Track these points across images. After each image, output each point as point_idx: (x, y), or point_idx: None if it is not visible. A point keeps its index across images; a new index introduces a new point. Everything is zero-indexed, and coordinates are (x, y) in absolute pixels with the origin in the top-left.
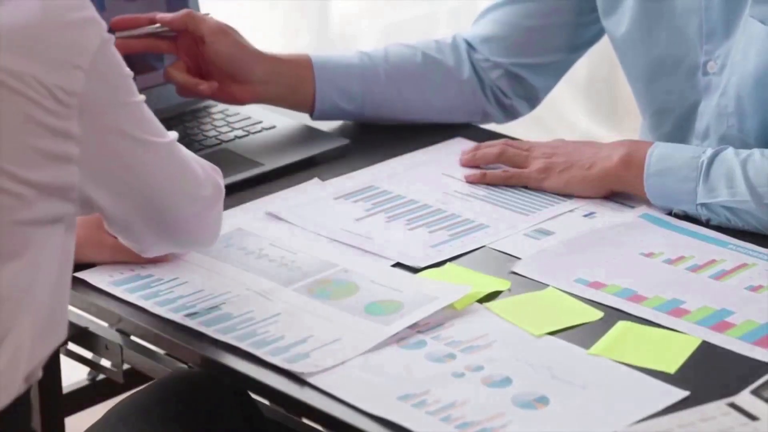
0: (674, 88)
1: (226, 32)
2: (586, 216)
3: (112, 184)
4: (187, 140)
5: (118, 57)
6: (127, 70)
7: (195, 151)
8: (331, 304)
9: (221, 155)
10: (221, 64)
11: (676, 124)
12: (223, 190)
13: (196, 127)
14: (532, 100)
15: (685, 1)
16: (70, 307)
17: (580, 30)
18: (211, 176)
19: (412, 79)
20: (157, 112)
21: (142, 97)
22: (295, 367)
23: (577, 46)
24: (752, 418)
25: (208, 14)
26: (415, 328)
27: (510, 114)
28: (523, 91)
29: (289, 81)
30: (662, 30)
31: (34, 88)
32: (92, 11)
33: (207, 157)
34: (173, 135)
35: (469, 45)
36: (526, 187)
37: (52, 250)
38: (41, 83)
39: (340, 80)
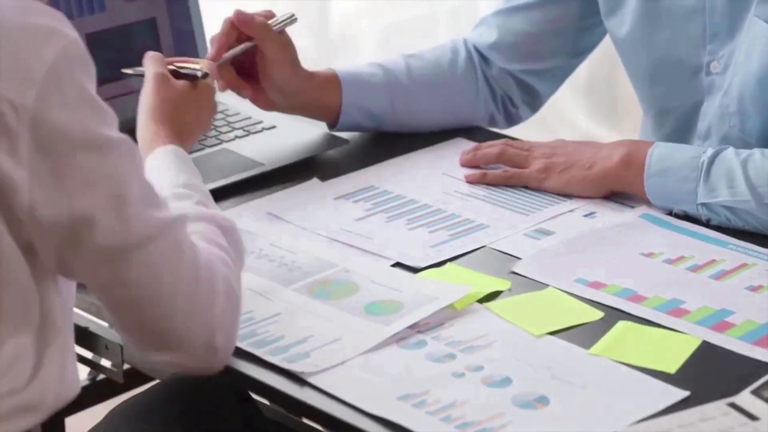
0: (676, 88)
1: (288, 57)
2: (586, 216)
3: (67, 233)
4: None
5: (86, 85)
6: (103, 104)
7: (195, 151)
8: (331, 304)
9: (221, 155)
10: (271, 83)
11: (678, 125)
12: (234, 287)
13: None
14: (536, 105)
15: (687, 1)
16: None
17: (584, 33)
18: (216, 269)
19: (432, 96)
20: None
21: (124, 136)
22: (295, 367)
23: (583, 50)
24: (752, 418)
25: (282, 28)
26: (415, 328)
27: (513, 121)
28: (528, 97)
29: (316, 96)
30: (664, 30)
31: None
32: (52, 20)
33: (207, 157)
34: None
35: (481, 55)
36: (526, 187)
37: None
38: None
39: (365, 100)
